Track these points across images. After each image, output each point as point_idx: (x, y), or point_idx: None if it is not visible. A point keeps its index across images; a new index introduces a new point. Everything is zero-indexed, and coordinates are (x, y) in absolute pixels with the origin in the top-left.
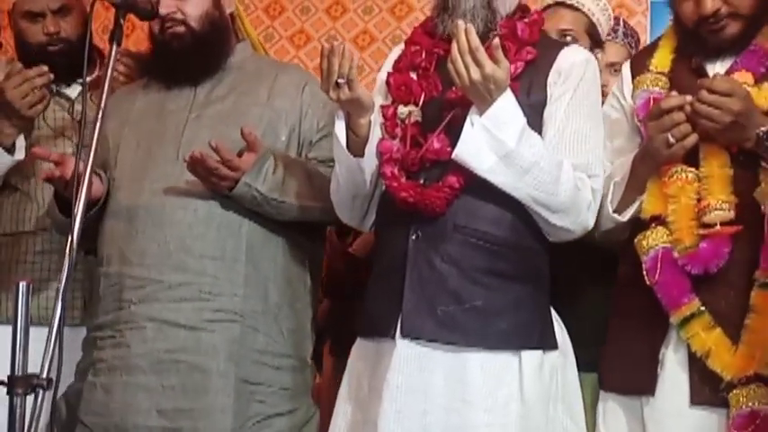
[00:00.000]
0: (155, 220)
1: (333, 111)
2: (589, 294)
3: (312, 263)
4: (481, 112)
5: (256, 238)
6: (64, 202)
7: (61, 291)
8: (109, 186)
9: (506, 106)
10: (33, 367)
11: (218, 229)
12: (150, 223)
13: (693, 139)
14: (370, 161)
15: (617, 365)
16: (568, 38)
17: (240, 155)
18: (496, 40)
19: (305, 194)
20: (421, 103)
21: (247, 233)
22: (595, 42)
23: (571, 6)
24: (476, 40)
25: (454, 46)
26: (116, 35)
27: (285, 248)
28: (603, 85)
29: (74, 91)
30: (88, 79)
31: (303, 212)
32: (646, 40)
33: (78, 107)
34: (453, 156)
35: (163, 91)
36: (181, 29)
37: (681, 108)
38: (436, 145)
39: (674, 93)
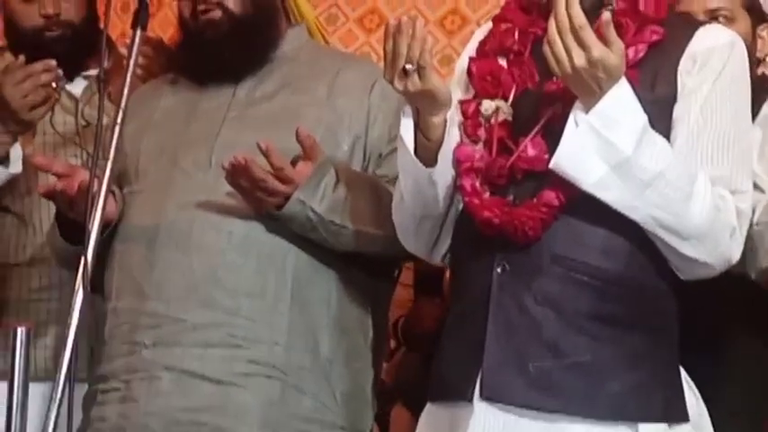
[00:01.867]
0: (179, 243)
1: None
2: (740, 348)
3: (376, 308)
4: (587, 109)
5: (305, 272)
6: (67, 226)
7: (70, 337)
8: (123, 207)
9: (621, 100)
10: None
11: (258, 259)
12: (173, 247)
13: None
14: (444, 172)
15: None
16: (720, 19)
17: (293, 164)
18: (607, 14)
19: (371, 219)
20: (512, 96)
21: (294, 265)
22: (758, 18)
23: None
24: (580, 15)
25: (551, 23)
26: (141, 18)
27: (341, 288)
28: None
29: (78, 87)
30: (93, 73)
31: (367, 242)
32: None
33: (87, 109)
34: (551, 165)
35: (195, 89)
36: (217, 13)
37: None
38: (531, 151)
39: None
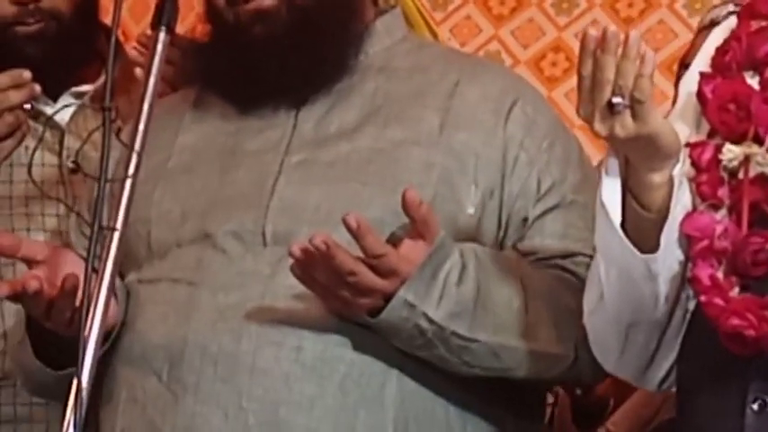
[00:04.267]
0: (218, 366)
1: (571, 157)
2: None
3: None
4: None
5: (414, 409)
6: (42, 339)
7: None
8: (127, 307)
9: None
10: None
11: (342, 388)
12: (209, 372)
13: None
14: (668, 258)
15: None
16: None
17: (394, 244)
18: None
19: (520, 328)
20: None
21: (397, 399)
22: None
23: None
24: None
25: None
26: (166, 10)
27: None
28: None
29: (63, 111)
30: (86, 89)
31: (515, 363)
32: None
33: (72, 142)
34: None
35: (232, 116)
36: (269, 1)
37: None
38: None
39: None
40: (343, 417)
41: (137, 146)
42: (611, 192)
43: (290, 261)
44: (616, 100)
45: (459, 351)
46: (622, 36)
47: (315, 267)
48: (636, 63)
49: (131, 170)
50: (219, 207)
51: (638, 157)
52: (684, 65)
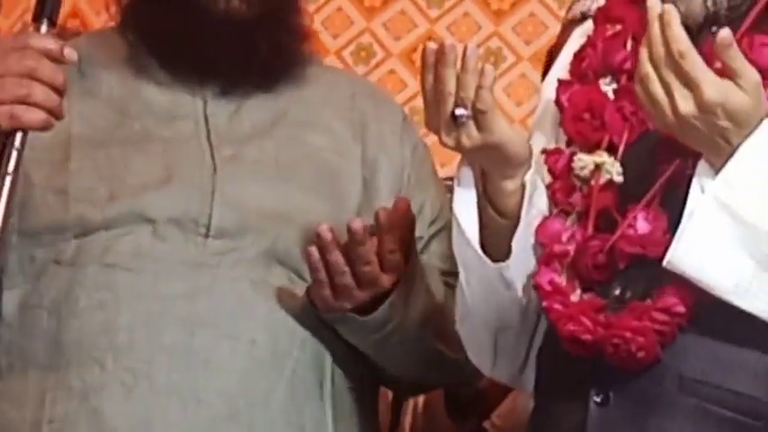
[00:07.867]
0: (172, 357)
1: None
2: None
3: None
4: (717, 170)
5: (346, 404)
6: None
7: None
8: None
9: (761, 160)
10: None
11: (291, 385)
12: (163, 364)
13: None
14: (524, 263)
15: None
16: None
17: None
18: (725, 32)
19: (439, 331)
20: (622, 146)
21: (333, 396)
22: None
23: None
24: (680, 37)
25: (643, 51)
26: (48, 2)
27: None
28: None
29: None
30: None
31: (433, 365)
32: None
33: None
34: (666, 262)
35: (135, 84)
36: None
37: None
38: (642, 227)
39: None
40: (293, 412)
41: (17, 143)
42: (463, 202)
43: (237, 253)
44: (459, 112)
45: (391, 349)
46: (468, 48)
47: (330, 251)
48: (476, 74)
49: (11, 167)
50: (155, 192)
51: (489, 165)
52: (551, 56)
